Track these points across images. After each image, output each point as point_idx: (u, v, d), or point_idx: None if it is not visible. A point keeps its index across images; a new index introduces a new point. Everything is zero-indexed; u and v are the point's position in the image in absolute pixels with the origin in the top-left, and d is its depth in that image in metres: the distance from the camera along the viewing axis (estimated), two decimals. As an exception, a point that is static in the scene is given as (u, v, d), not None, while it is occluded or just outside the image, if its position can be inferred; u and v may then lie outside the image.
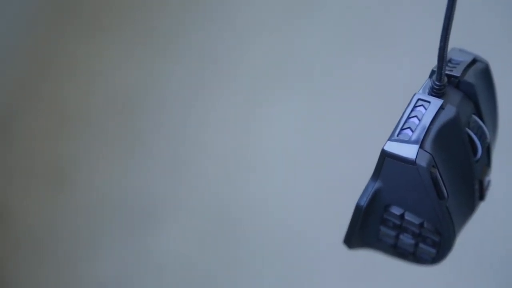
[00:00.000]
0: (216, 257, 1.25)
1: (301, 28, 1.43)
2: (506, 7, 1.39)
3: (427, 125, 0.46)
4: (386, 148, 0.47)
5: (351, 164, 1.26)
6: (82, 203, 1.30)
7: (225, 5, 1.47)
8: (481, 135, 0.50)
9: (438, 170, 0.47)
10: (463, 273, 1.19)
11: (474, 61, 0.50)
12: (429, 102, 0.47)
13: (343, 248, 0.58)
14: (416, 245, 0.53)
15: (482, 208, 0.57)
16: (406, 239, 0.53)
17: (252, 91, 1.37)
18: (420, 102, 0.47)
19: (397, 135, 0.47)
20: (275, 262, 1.24)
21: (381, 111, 1.27)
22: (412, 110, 0.47)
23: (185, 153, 1.33)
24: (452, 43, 0.52)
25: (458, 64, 0.49)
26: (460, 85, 0.49)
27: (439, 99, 0.47)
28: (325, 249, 1.22)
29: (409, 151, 0.46)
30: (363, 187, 0.51)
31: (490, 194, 0.56)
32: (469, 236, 1.11)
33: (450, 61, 0.50)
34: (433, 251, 0.52)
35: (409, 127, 0.47)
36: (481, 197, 0.54)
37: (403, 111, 0.47)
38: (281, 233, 1.26)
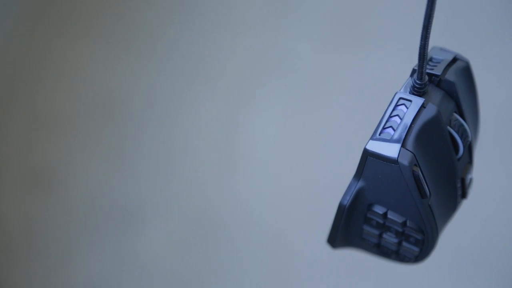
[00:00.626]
0: (201, 258, 1.25)
1: (287, 27, 1.43)
2: (487, 6, 1.39)
3: (408, 124, 0.46)
4: (368, 147, 0.47)
5: (336, 163, 1.27)
6: (67, 206, 1.29)
7: (211, 6, 1.47)
8: (463, 133, 0.50)
9: (420, 168, 0.47)
10: (445, 271, 1.20)
11: (455, 59, 0.50)
12: (410, 101, 0.47)
13: (328, 248, 0.58)
14: (400, 243, 0.53)
15: (465, 206, 0.57)
16: (390, 238, 0.53)
17: (238, 92, 1.37)
18: (401, 101, 0.47)
19: (379, 134, 0.47)
20: (261, 262, 1.24)
21: (365, 110, 1.27)
22: (393, 109, 0.47)
23: (170, 155, 1.33)
24: (435, 42, 0.52)
25: (439, 62, 0.49)
26: (441, 83, 0.49)
27: (420, 98, 0.47)
28: (311, 249, 1.22)
29: (391, 150, 0.46)
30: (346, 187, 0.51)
31: (472, 192, 0.56)
32: (452, 234, 1.11)
33: (431, 59, 0.50)
34: (416, 249, 0.53)
35: (391, 126, 0.47)
36: (463, 195, 0.54)
37: (385, 110, 0.47)
38: (266, 233, 1.26)
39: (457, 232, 1.19)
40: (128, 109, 1.37)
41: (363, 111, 1.26)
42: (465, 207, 0.56)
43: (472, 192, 0.56)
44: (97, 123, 1.36)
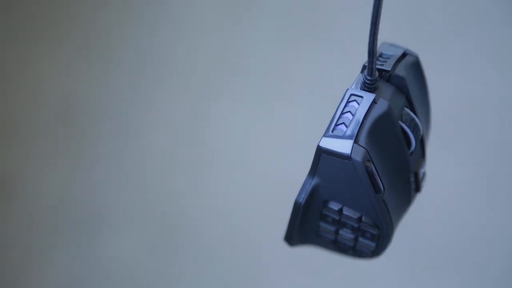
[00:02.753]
0: (168, 261, 1.24)
1: (242, 27, 1.43)
2: (436, 1, 1.41)
3: (360, 120, 0.47)
4: (321, 144, 0.47)
5: (295, 161, 1.27)
6: (28, 212, 1.27)
7: (169, 6, 1.46)
8: (414, 128, 0.50)
9: (374, 164, 0.47)
10: (402, 265, 1.21)
11: (404, 54, 0.51)
12: (361, 97, 0.47)
13: (287, 246, 0.58)
14: (356, 239, 0.53)
15: (419, 200, 0.58)
16: (346, 234, 0.53)
17: (195, 91, 1.37)
18: (353, 98, 0.47)
19: (332, 131, 0.47)
20: (226, 263, 1.24)
21: (323, 107, 1.28)
22: (345, 106, 0.47)
23: (131, 159, 1.32)
24: (386, 38, 0.53)
25: (388, 58, 0.50)
26: (392, 79, 0.49)
27: (371, 94, 0.47)
28: (272, 249, 1.22)
29: (344, 146, 0.46)
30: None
31: (427, 185, 0.57)
32: (408, 228, 1.12)
33: (381, 55, 0.50)
34: (372, 244, 0.53)
35: (343, 123, 0.47)
36: (417, 189, 0.54)
37: (337, 106, 0.48)
38: (231, 233, 1.25)
39: (412, 226, 1.20)
40: (88, 112, 1.36)
41: (322, 108, 1.27)
42: (419, 200, 0.57)
43: (426, 185, 0.57)
44: (57, 128, 1.34)
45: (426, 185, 0.56)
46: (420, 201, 0.58)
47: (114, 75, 1.39)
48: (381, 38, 0.47)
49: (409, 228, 1.19)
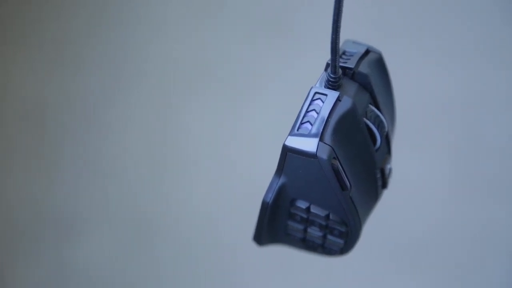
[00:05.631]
0: (138, 264, 1.23)
1: (214, 28, 1.43)
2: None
3: (325, 118, 0.46)
4: (287, 143, 0.47)
5: (265, 161, 1.27)
6: (1, 218, 1.26)
7: (138, 11, 1.45)
8: (379, 124, 0.50)
9: (339, 161, 0.47)
10: (372, 261, 1.22)
11: (368, 51, 0.50)
12: (326, 95, 0.47)
13: (256, 246, 0.58)
14: (324, 237, 0.53)
15: (386, 196, 0.58)
16: (314, 232, 0.53)
17: (165, 94, 1.36)
18: (317, 96, 0.47)
19: (297, 130, 0.47)
20: (196, 264, 1.24)
21: (293, 106, 1.28)
22: (310, 104, 0.47)
23: (102, 163, 1.31)
24: (350, 35, 0.53)
25: (352, 55, 0.50)
26: (355, 76, 0.49)
27: (335, 91, 0.47)
28: (246, 249, 1.22)
29: (309, 144, 0.46)
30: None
31: (393, 181, 0.57)
32: (377, 224, 1.13)
33: (344, 53, 0.50)
34: (341, 241, 0.53)
35: (308, 121, 0.47)
36: (384, 185, 0.54)
37: (302, 105, 0.48)
38: (199, 234, 1.25)
39: (381, 223, 1.21)
40: (58, 117, 1.35)
41: (290, 107, 1.27)
42: (386, 196, 0.57)
43: (392, 181, 0.57)
44: (26, 132, 1.33)
45: (393, 181, 0.57)
46: (387, 197, 0.58)
47: (84, 79, 1.38)
48: (346, 35, 0.47)
49: (378, 224, 1.20)
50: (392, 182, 0.54)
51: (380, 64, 0.51)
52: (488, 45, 1.36)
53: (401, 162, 1.21)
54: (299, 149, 0.47)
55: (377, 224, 1.19)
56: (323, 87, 0.48)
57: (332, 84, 0.48)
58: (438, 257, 1.21)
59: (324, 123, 0.46)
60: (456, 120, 1.30)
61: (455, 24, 1.39)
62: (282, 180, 0.50)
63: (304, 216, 0.52)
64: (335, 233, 0.52)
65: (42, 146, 1.32)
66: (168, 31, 1.42)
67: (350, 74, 0.49)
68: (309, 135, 0.46)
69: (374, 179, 0.53)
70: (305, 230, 0.53)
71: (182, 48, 1.41)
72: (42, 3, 1.45)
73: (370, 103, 0.50)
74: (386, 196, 0.56)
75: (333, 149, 0.47)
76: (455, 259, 1.21)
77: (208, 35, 1.42)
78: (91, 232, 1.25)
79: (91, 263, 1.23)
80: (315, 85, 0.48)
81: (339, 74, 0.48)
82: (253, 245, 0.58)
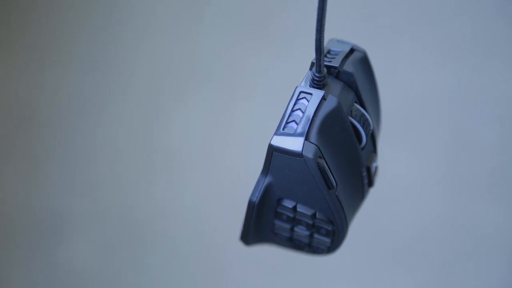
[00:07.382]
0: (127, 264, 1.23)
1: (203, 28, 1.42)
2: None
3: (310, 117, 0.47)
4: (273, 142, 0.47)
5: (252, 160, 1.27)
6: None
7: (120, 9, 1.45)
8: (364, 123, 0.50)
9: (325, 160, 0.47)
10: (365, 260, 1.22)
11: (352, 50, 0.51)
12: (311, 94, 0.47)
13: (244, 246, 0.58)
14: (311, 236, 0.53)
15: (379, 194, 0.58)
16: (301, 231, 0.53)
17: (150, 94, 1.36)
18: (302, 95, 0.47)
19: (283, 129, 0.47)
20: (185, 264, 1.23)
21: (279, 105, 1.28)
22: (295, 103, 0.47)
23: (87, 164, 1.31)
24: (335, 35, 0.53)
25: (336, 54, 0.50)
26: (340, 75, 0.49)
27: (320, 91, 0.47)
28: (234, 249, 1.22)
29: (295, 144, 0.46)
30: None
31: (386, 180, 0.57)
32: (370, 223, 1.13)
33: (329, 52, 0.50)
34: (327, 240, 0.53)
35: (293, 120, 0.47)
36: (370, 183, 0.55)
37: (287, 104, 0.48)
38: (189, 234, 1.25)
39: (373, 222, 1.21)
40: (42, 118, 1.34)
41: (277, 106, 1.27)
42: (379, 195, 0.57)
43: (385, 180, 0.57)
44: (11, 134, 1.32)
45: (379, 179, 0.57)
46: (373, 195, 0.58)
47: (74, 79, 1.37)
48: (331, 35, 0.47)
49: (365, 223, 1.20)
50: (385, 181, 0.55)
51: (364, 63, 0.51)
52: (478, 42, 1.36)
53: (395, 161, 1.22)
54: (285, 148, 0.47)
55: (370, 223, 1.20)
56: (308, 86, 0.48)
57: (317, 83, 0.48)
58: (430, 256, 1.22)
59: (309, 122, 0.46)
60: (448, 118, 1.30)
61: (444, 21, 1.39)
62: (268, 179, 0.50)
63: (291, 215, 0.52)
64: (322, 231, 0.52)
65: (31, 147, 1.32)
66: (158, 32, 1.42)
67: (335, 73, 0.49)
68: (294, 134, 0.46)
69: (360, 178, 0.53)
70: (292, 229, 0.53)
71: (171, 49, 1.41)
72: (32, 3, 1.44)
73: (355, 102, 0.50)
74: (379, 194, 0.56)
75: (318, 148, 0.47)
76: (447, 258, 1.21)
77: (197, 36, 1.42)
78: (82, 233, 1.25)
79: (82, 264, 1.23)
80: (300, 84, 0.48)
81: (324, 73, 0.48)
82: (242, 245, 0.58)
